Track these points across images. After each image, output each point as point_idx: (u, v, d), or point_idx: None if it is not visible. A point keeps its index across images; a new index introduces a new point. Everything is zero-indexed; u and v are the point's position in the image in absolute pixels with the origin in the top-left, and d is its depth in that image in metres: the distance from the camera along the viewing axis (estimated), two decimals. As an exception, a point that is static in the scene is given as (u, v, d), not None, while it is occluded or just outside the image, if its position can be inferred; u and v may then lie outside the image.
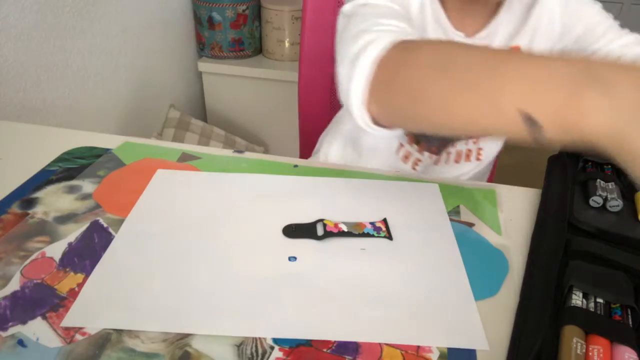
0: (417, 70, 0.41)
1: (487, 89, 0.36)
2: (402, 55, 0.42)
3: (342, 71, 0.48)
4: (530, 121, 0.33)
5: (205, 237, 0.49)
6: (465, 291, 0.44)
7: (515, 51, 0.37)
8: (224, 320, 0.40)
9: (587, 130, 0.32)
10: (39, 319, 0.39)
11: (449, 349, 0.39)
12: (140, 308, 0.41)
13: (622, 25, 0.65)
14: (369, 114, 0.45)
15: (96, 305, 0.41)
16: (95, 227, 0.49)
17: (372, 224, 0.51)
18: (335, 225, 0.50)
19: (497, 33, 0.64)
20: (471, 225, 0.52)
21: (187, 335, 0.39)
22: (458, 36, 0.62)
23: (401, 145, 0.70)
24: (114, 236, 0.48)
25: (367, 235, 0.50)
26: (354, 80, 0.44)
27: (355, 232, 0.50)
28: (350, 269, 0.46)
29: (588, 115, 0.31)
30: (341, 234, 0.49)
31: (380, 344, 0.39)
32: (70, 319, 0.39)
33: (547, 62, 0.35)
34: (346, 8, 0.56)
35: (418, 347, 0.39)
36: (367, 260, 0.47)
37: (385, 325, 0.40)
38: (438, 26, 0.62)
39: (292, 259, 0.47)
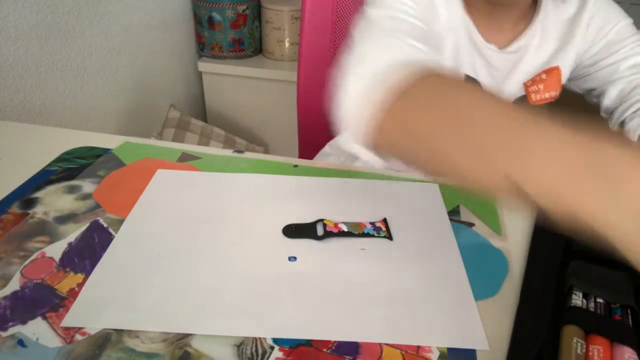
0: (430, 115, 0.38)
1: (489, 153, 0.34)
2: (421, 92, 0.40)
3: (355, 77, 0.45)
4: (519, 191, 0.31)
5: (205, 237, 0.49)
6: (465, 291, 0.44)
7: (533, 120, 0.35)
8: (224, 320, 0.40)
9: (582, 216, 0.30)
10: (39, 319, 0.39)
11: (449, 349, 0.39)
12: (140, 308, 0.41)
13: None
14: (364, 135, 0.43)
15: (96, 305, 0.41)
16: (95, 227, 0.49)
17: (372, 224, 0.51)
18: (335, 225, 0.50)
19: (529, 47, 0.63)
20: (471, 225, 0.52)
21: (187, 335, 0.39)
22: (489, 49, 0.61)
23: None
24: (114, 236, 0.48)
25: (367, 235, 0.50)
26: (368, 101, 0.41)
27: (355, 232, 0.50)
28: (350, 269, 0.46)
29: (587, 205, 0.29)
30: (341, 234, 0.49)
31: (380, 344, 0.39)
32: (70, 319, 0.39)
33: (560, 140, 0.32)
34: (371, 14, 0.53)
35: (418, 347, 0.39)
36: (367, 260, 0.47)
37: (385, 325, 0.40)
38: (469, 40, 0.61)
39: (292, 259, 0.47)
